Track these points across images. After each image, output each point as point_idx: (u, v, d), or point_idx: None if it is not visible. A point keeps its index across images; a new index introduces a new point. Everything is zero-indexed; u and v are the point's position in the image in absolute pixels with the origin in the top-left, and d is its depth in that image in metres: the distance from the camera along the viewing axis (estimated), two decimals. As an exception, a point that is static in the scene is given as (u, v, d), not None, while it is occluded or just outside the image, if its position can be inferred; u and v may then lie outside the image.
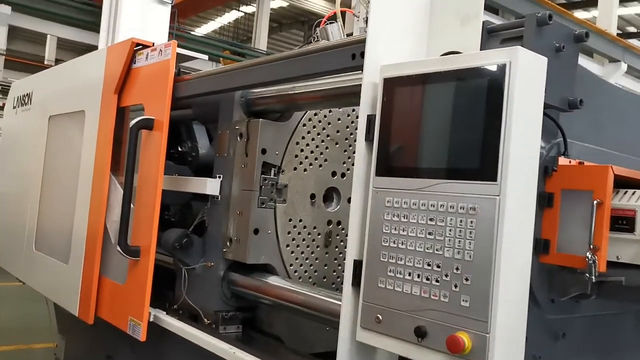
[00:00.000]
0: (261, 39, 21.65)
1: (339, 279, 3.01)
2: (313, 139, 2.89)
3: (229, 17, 24.60)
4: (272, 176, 2.75)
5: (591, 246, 1.71)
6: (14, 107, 4.64)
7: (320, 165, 2.92)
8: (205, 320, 2.82)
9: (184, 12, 18.19)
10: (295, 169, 2.83)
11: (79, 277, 3.22)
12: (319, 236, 2.94)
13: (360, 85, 1.91)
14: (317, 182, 2.91)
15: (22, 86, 4.59)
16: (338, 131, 2.98)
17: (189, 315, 2.91)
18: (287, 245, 2.82)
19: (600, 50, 14.68)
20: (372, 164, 1.83)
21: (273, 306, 2.76)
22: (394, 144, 1.78)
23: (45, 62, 19.74)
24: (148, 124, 2.84)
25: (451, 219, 1.60)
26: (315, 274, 2.94)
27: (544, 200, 1.82)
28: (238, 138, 2.82)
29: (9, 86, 5.11)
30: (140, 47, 3.08)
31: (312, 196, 2.90)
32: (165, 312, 2.90)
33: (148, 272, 2.73)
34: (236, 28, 24.85)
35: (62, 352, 4.35)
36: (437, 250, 1.62)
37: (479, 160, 1.55)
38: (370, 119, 1.86)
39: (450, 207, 1.60)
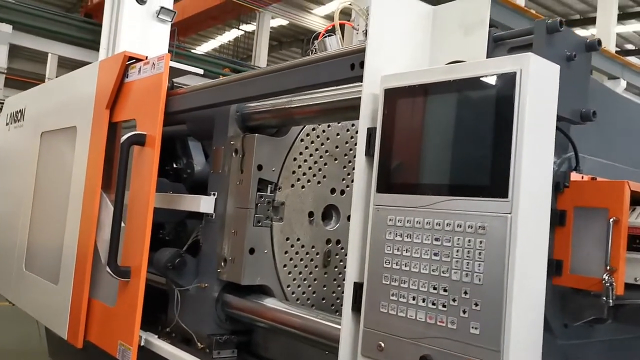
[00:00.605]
0: (261, 57, 21.71)
1: (338, 301, 2.90)
2: (311, 155, 2.80)
3: (229, 35, 24.70)
4: (268, 193, 2.65)
5: (607, 267, 1.60)
6: (7, 124, 4.55)
7: (319, 182, 2.82)
8: (199, 344, 2.70)
9: (184, 31, 18.28)
10: (292, 185, 2.73)
11: (68, 298, 3.10)
12: (318, 256, 2.83)
13: (360, 97, 1.82)
14: (315, 199, 2.81)
15: (15, 102, 4.51)
16: (337, 146, 2.88)
17: (182, 339, 2.80)
18: (285, 266, 2.71)
19: (599, 67, 14.69)
20: (373, 180, 1.73)
21: (269, 329, 2.64)
22: (396, 158, 1.68)
23: (46, 81, 19.80)
24: (140, 140, 2.74)
25: (458, 239, 1.48)
26: (314, 295, 2.82)
27: (556, 218, 1.71)
28: (233, 154, 2.72)
29: (9, 105, 5.02)
30: (133, 60, 3.00)
31: (310, 214, 2.79)
32: (156, 336, 2.80)
33: (138, 294, 2.61)
34: (236, 46, 24.93)
35: (53, 375, 4.20)
36: (443, 272, 1.50)
37: (488, 175, 1.45)
38: (371, 133, 1.76)
39: (458, 225, 1.49)
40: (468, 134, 1.52)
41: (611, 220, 1.61)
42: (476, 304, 1.42)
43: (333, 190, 2.87)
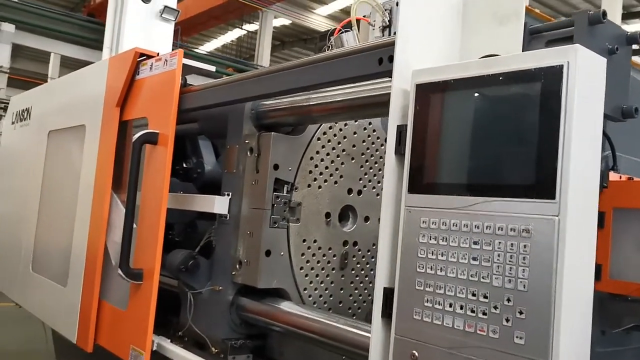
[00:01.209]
0: (264, 57, 21.62)
1: (355, 304, 2.82)
2: (328, 154, 2.71)
3: (232, 35, 24.61)
4: (284, 194, 2.57)
5: (650, 272, 1.52)
6: (13, 123, 4.48)
7: (336, 182, 2.74)
8: (213, 348, 2.62)
9: (187, 30, 18.18)
10: (309, 185, 2.65)
11: (77, 301, 3.03)
12: (335, 258, 2.74)
13: (385, 94, 1.74)
14: (332, 200, 2.72)
15: (21, 101, 4.43)
16: (354, 145, 2.80)
17: (195, 343, 2.73)
18: (301, 268, 2.63)
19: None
20: (404, 180, 1.64)
21: (285, 334, 2.56)
22: (429, 157, 1.59)
23: (49, 80, 19.71)
24: (152, 138, 2.66)
25: (500, 242, 1.40)
26: (331, 298, 2.73)
27: (595, 220, 1.63)
28: (248, 153, 2.64)
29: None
30: (144, 57, 2.92)
31: (327, 215, 2.71)
32: (169, 340, 2.73)
33: (151, 297, 2.54)
34: (239, 46, 24.83)
35: (60, 379, 4.13)
36: (483, 278, 1.42)
37: (534, 174, 1.36)
38: (401, 130, 1.68)
39: (499, 228, 1.40)
40: (509, 131, 1.43)
41: (655, 222, 1.53)
42: (521, 312, 1.34)
43: (350, 191, 2.79)
